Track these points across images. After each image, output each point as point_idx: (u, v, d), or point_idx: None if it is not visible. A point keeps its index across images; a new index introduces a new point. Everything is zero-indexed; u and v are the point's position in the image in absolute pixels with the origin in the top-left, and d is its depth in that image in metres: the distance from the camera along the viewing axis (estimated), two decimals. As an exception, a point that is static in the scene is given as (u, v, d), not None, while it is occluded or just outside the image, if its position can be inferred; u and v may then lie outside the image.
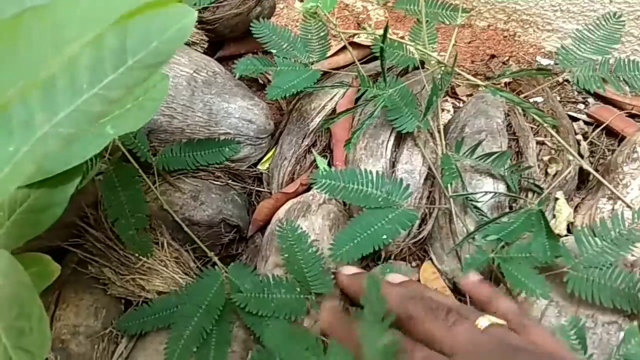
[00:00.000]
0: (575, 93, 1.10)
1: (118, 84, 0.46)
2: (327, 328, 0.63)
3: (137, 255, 0.77)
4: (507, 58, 1.14)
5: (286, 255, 0.76)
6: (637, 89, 0.78)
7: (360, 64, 1.03)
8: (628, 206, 0.75)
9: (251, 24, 0.96)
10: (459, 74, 0.85)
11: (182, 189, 0.88)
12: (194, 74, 0.94)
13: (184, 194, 0.88)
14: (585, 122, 1.04)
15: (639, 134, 0.83)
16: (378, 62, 1.05)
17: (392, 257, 0.91)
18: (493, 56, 1.15)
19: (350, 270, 0.73)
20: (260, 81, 1.11)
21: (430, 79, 1.00)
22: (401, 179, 0.81)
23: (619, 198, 0.76)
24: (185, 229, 0.84)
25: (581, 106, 1.08)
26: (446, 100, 1.11)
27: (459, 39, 1.19)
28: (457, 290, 0.84)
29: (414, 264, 0.93)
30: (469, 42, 1.18)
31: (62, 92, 0.45)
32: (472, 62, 1.15)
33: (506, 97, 0.80)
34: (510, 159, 0.88)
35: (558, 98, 1.09)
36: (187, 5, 0.42)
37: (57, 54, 0.40)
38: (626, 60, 0.80)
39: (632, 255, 0.78)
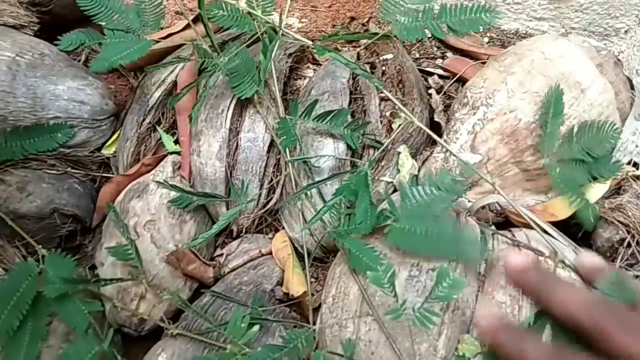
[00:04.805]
0: (435, 49, 1.09)
1: None
2: (494, 339, 0.51)
3: (-57, 255, 0.71)
4: (366, 19, 1.12)
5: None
6: (460, 33, 0.76)
7: (217, 32, 0.99)
8: (452, 154, 0.74)
9: (78, -5, 0.89)
10: (287, 34, 0.82)
11: (7, 181, 0.82)
12: (17, 58, 0.87)
13: (10, 186, 0.81)
14: (442, 77, 1.03)
15: (472, 79, 0.82)
16: (227, 32, 1.01)
17: (245, 230, 0.88)
18: (353, 18, 1.13)
19: (519, 258, 0.56)
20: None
21: (283, 45, 0.97)
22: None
23: (443, 146, 0.75)
24: (10, 222, 0.78)
25: (440, 61, 1.07)
26: (308, 67, 1.08)
27: (320, 4, 1.15)
28: (298, 255, 0.82)
29: (270, 235, 0.90)
30: (329, 6, 1.15)
31: None
32: (333, 26, 1.12)
33: (332, 56, 0.77)
34: (355, 117, 0.86)
35: (417, 54, 1.08)
36: None
37: None
38: (450, 5, 0.78)
39: (468, 201, 0.78)
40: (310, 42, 0.81)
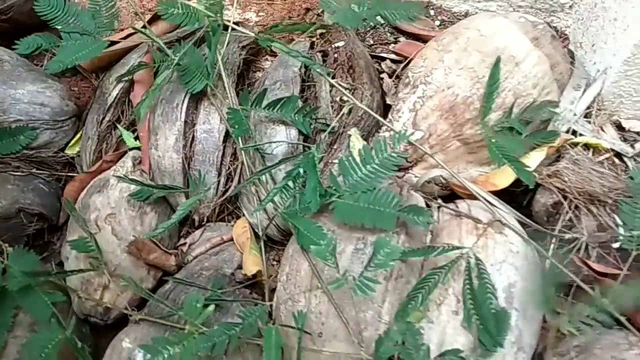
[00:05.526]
0: (388, 35, 1.12)
1: None
2: None
3: None
4: (321, 10, 1.15)
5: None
6: (393, 20, 0.79)
7: (170, 32, 1.03)
8: (392, 130, 0.77)
9: (34, 2, 0.92)
10: (235, 28, 0.85)
11: (-28, 185, 0.85)
12: (-24, 65, 0.90)
13: (-26, 189, 0.84)
14: (395, 61, 1.06)
15: (414, 60, 0.85)
16: (184, 29, 1.04)
17: (207, 219, 0.90)
18: (308, 10, 1.15)
19: None
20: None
21: (236, 39, 1.00)
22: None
23: (385, 124, 0.78)
24: (-25, 224, 0.81)
25: (393, 46, 1.10)
26: (266, 59, 1.11)
27: (276, -3, 1.18)
28: (270, 240, 0.85)
29: (232, 222, 0.93)
30: (286, -1, 1.18)
31: None
32: (290, 17, 1.15)
33: (275, 46, 0.81)
34: (306, 103, 0.89)
35: (371, 41, 1.10)
36: None
37: None
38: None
39: (414, 176, 0.81)
40: (253, 34, 0.84)
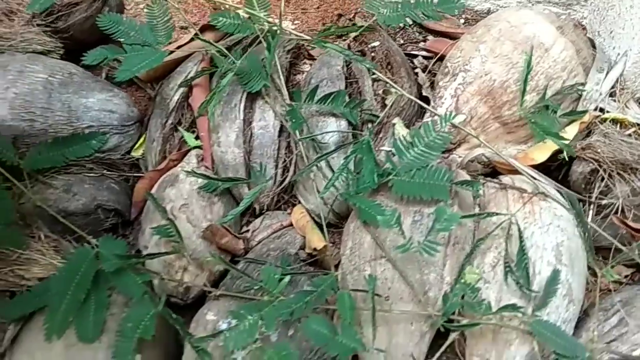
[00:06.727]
0: (417, 34, 1.20)
1: None
2: None
3: (11, 249, 0.82)
4: (352, 15, 1.24)
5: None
6: (434, 17, 0.88)
7: (221, 40, 1.12)
8: (436, 115, 0.85)
9: (96, 19, 1.01)
10: (286, 32, 0.94)
11: (54, 185, 0.93)
12: (50, 78, 0.99)
13: (57, 189, 0.93)
14: (426, 57, 1.14)
15: (450, 52, 0.94)
16: (231, 37, 1.13)
17: (266, 208, 0.98)
18: (340, 15, 1.24)
19: None
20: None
21: (281, 45, 1.09)
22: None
23: (429, 109, 0.86)
24: (61, 219, 0.89)
25: (422, 44, 1.18)
26: (305, 63, 1.20)
27: (309, 6, 1.28)
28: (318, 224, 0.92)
29: (289, 210, 1.00)
30: (318, 7, 1.27)
31: None
32: (323, 24, 1.24)
33: (329, 47, 0.90)
34: (353, 98, 0.97)
35: (401, 40, 1.19)
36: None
37: None
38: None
39: (459, 157, 0.89)
40: (308, 37, 0.92)
